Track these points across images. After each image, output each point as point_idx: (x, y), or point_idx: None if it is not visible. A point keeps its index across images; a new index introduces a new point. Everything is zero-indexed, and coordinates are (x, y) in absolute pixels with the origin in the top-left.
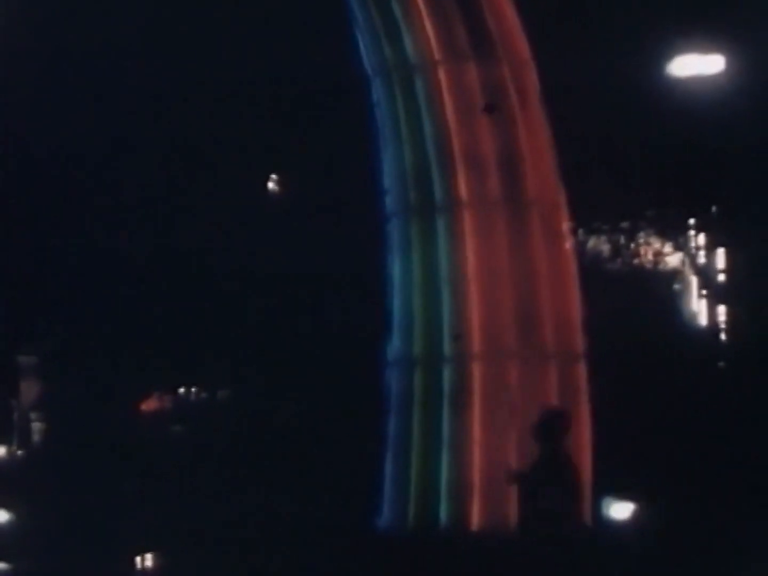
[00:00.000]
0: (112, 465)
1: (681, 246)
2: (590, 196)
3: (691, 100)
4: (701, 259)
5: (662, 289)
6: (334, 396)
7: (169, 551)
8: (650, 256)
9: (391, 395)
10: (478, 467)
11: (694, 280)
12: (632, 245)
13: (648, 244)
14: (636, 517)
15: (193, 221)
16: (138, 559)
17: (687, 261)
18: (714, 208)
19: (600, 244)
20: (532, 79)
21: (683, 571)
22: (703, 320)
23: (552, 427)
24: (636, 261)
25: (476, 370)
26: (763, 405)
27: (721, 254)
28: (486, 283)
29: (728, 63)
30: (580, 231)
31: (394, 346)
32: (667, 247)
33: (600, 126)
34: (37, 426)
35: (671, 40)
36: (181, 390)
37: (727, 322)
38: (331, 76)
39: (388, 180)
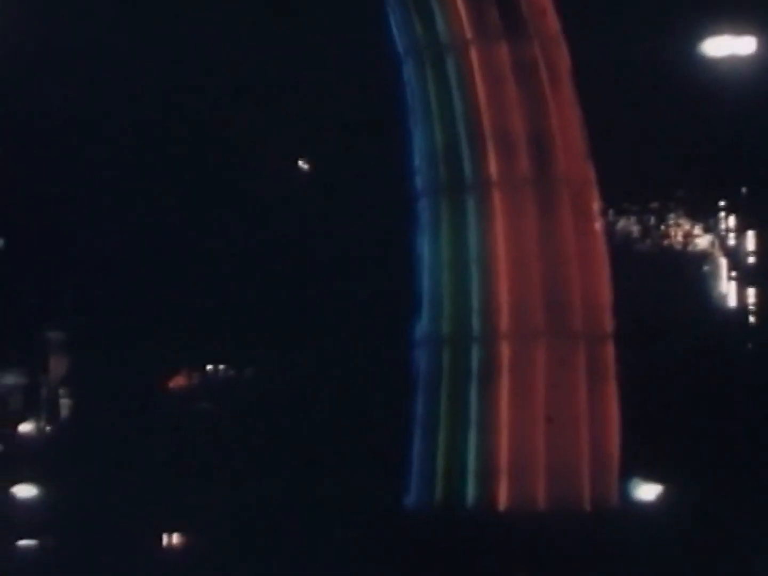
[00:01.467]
0: (140, 442)
1: (711, 227)
2: (620, 176)
3: (724, 80)
4: (731, 241)
5: (691, 270)
6: (362, 374)
7: (196, 529)
8: (680, 238)
9: (419, 374)
10: (506, 447)
11: (723, 262)
12: (662, 226)
13: (678, 225)
14: (663, 497)
15: (221, 200)
16: (164, 536)
17: (716, 243)
18: (744, 190)
19: (629, 225)
20: (564, 57)
21: (710, 551)
22: (732, 302)
23: None
24: (665, 242)
25: (504, 350)
26: None
27: (750, 236)
28: (515, 263)
29: (761, 44)
30: (610, 211)
31: (423, 325)
32: (697, 229)
33: (631, 105)
34: (65, 402)
35: (705, 20)
36: (209, 367)
37: (756, 304)
38: (361, 55)
39: (418, 159)
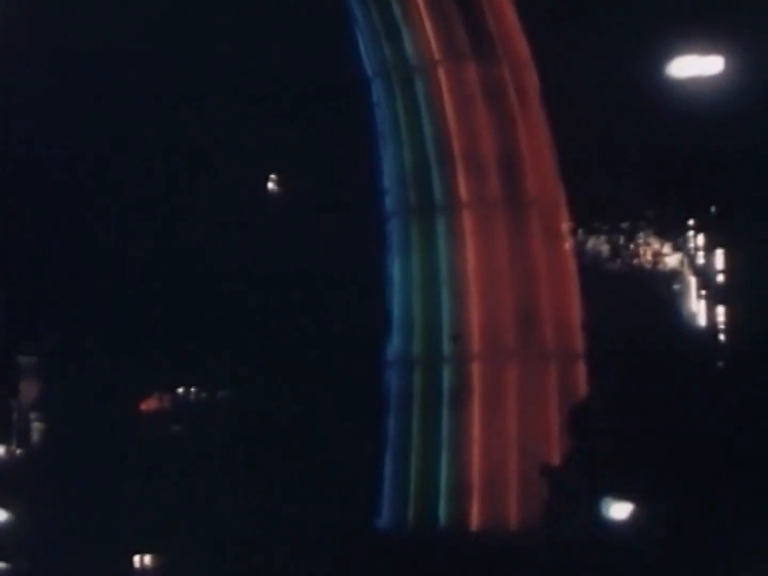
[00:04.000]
0: (112, 465)
1: (680, 246)
2: (590, 196)
3: (691, 100)
4: (700, 259)
5: (661, 289)
6: (334, 396)
7: (169, 551)
8: (649, 257)
9: (390, 395)
10: (478, 467)
11: (693, 281)
12: (631, 245)
13: (647, 244)
14: (635, 517)
15: (193, 222)
16: (137, 558)
17: (686, 261)
18: (713, 209)
19: (599, 244)
20: (532, 79)
21: (683, 570)
22: (702, 320)
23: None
24: (635, 261)
25: (476, 370)
26: (763, 404)
27: (720, 255)
28: (485, 283)
29: (728, 64)
30: (580, 231)
31: (394, 345)
32: (667, 248)
33: (599, 126)
34: (36, 425)
35: (671, 41)
36: (181, 390)
37: (726, 323)
38: (331, 76)
39: (388, 180)
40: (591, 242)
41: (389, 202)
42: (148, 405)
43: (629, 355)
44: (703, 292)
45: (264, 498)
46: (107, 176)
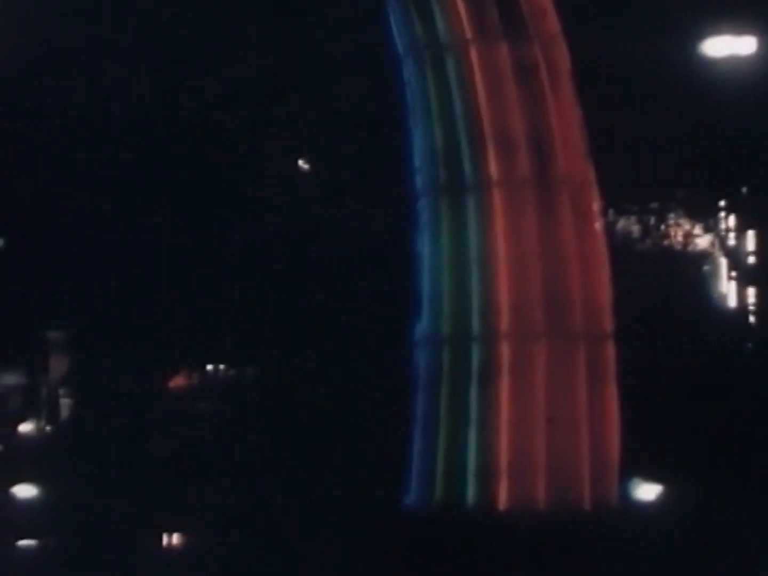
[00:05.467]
0: (140, 442)
1: (711, 227)
2: (620, 176)
3: (724, 80)
4: (731, 240)
5: (691, 270)
6: (362, 374)
7: (197, 529)
8: (680, 237)
9: (419, 374)
10: (506, 446)
11: (723, 262)
12: (662, 226)
13: (678, 225)
14: (663, 497)
15: (222, 201)
16: (164, 537)
17: (716, 242)
18: (744, 190)
19: (629, 225)
20: (564, 57)
21: (710, 551)
22: (732, 302)
23: None
24: (665, 242)
25: (504, 349)
26: None
27: (750, 236)
28: (515, 263)
29: (761, 44)
30: (610, 211)
31: (423, 324)
32: (697, 229)
33: (631, 105)
34: (65, 402)
35: (705, 20)
36: (209, 367)
37: (756, 304)
38: (361, 55)
39: (419, 159)
40: (621, 222)
41: (419, 180)
42: (176, 382)
43: (658, 336)
44: (734, 274)
45: (290, 476)
46: (133, 156)
